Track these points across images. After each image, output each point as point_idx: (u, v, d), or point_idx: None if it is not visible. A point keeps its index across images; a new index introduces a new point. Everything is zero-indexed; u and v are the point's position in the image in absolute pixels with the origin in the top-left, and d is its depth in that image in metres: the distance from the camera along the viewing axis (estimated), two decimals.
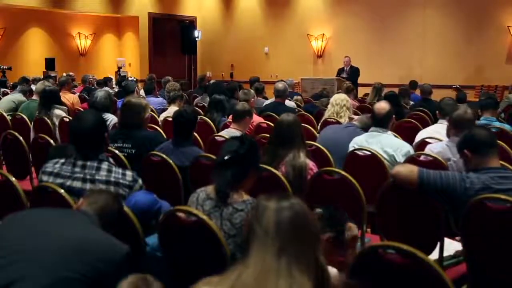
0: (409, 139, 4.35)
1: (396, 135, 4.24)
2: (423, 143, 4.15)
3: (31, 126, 5.46)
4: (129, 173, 2.72)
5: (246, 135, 3.29)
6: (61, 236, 1.81)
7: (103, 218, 2.05)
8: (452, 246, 2.88)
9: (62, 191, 2.49)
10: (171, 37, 16.24)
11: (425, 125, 5.47)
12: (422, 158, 3.52)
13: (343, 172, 3.05)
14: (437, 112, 4.81)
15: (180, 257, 2.37)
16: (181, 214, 2.26)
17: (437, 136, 4.21)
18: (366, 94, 10.36)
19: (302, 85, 11.32)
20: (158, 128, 5.03)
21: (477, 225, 2.47)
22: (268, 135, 3.92)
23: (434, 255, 2.70)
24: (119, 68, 13.83)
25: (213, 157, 3.11)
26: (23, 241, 1.80)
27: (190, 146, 3.67)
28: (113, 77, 12.30)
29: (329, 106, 5.57)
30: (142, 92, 8.67)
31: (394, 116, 4.22)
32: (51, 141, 4.24)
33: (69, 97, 7.15)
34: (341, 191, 3.00)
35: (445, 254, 2.78)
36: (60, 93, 6.39)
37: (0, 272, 1.72)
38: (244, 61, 15.55)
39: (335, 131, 4.52)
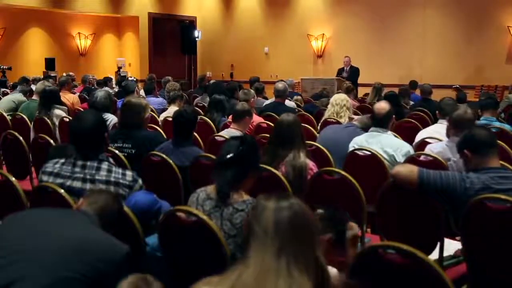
0: (409, 139, 4.35)
1: (396, 135, 4.24)
2: (423, 143, 4.15)
3: (31, 126, 5.46)
4: (129, 173, 2.72)
5: (247, 135, 3.30)
6: (61, 236, 1.81)
7: (103, 218, 2.05)
8: (452, 246, 2.88)
9: (62, 191, 2.49)
10: (171, 37, 16.24)
11: (425, 125, 5.47)
12: (422, 158, 3.52)
13: (343, 172, 3.05)
14: (437, 112, 4.81)
15: (180, 257, 2.37)
16: (181, 214, 2.26)
17: (437, 136, 4.21)
18: (366, 94, 10.36)
19: (302, 85, 11.32)
20: (158, 128, 5.03)
21: (477, 225, 2.47)
22: (268, 135, 3.92)
23: (434, 255, 2.70)
24: (119, 68, 13.83)
25: (213, 157, 3.11)
26: (23, 241, 1.80)
27: (190, 146, 3.67)
28: (113, 77, 12.30)
29: (329, 106, 5.57)
30: (142, 92, 8.67)
31: (394, 116, 4.22)
32: (51, 141, 4.24)
33: (69, 97, 7.15)
34: (341, 191, 3.00)
35: (445, 254, 2.79)
36: (60, 93, 6.39)
37: (0, 272, 1.72)
38: (244, 61, 15.55)
39: (335, 131, 4.52)
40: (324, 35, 14.42)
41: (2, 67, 11.48)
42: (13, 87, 9.19)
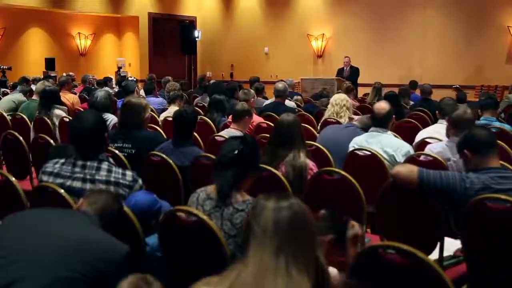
0: (409, 139, 4.35)
1: (396, 135, 4.24)
2: (423, 143, 4.15)
3: (31, 126, 5.46)
4: (129, 173, 2.72)
5: (247, 135, 3.29)
6: (61, 236, 1.81)
7: (103, 218, 2.05)
8: (452, 246, 2.88)
9: (62, 191, 2.49)
10: (171, 37, 16.24)
11: (425, 125, 5.47)
12: (422, 158, 3.52)
13: (343, 172, 3.05)
14: (437, 112, 4.81)
15: (180, 257, 2.37)
16: (181, 214, 2.26)
17: (437, 136, 4.21)
18: (366, 94, 10.36)
19: (302, 85, 11.32)
20: (158, 128, 5.03)
21: (477, 225, 2.47)
22: (268, 135, 3.92)
23: (434, 255, 2.70)
24: (119, 68, 13.83)
25: (213, 157, 3.11)
26: (23, 241, 1.80)
27: (190, 146, 3.67)
28: (113, 77, 12.30)
29: (329, 106, 5.57)
30: (142, 92, 8.67)
31: (394, 116, 4.22)
32: (51, 141, 4.24)
33: (69, 97, 7.15)
34: (341, 191, 3.00)
35: (445, 254, 2.79)
36: (60, 93, 6.39)
37: (0, 272, 1.72)
38: (244, 61, 15.55)
39: (335, 131, 4.52)
40: (324, 35, 14.42)
41: (2, 67, 11.48)
42: (13, 87, 9.19)
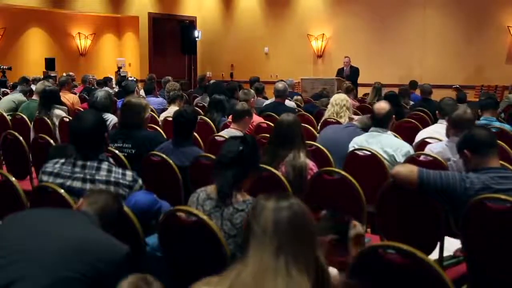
0: (409, 139, 4.35)
1: (396, 135, 4.24)
2: (423, 143, 4.15)
3: (31, 126, 5.46)
4: (129, 173, 2.72)
5: (247, 135, 3.29)
6: (61, 236, 1.81)
7: (103, 218, 2.05)
8: (452, 246, 2.88)
9: (62, 191, 2.49)
10: (171, 37, 16.24)
11: (425, 125, 5.47)
12: (422, 158, 3.52)
13: (343, 172, 3.05)
14: (437, 112, 4.81)
15: (180, 257, 2.37)
16: (181, 214, 2.26)
17: (437, 136, 4.21)
18: (366, 94, 10.36)
19: (302, 85, 11.32)
20: (158, 128, 5.03)
21: (477, 225, 2.47)
22: (268, 135, 3.92)
23: (434, 255, 2.70)
24: (119, 68, 13.83)
25: (213, 157, 3.11)
26: (23, 241, 1.80)
27: (190, 146, 3.67)
28: (113, 77, 12.30)
29: (329, 106, 5.57)
30: (142, 92, 8.67)
31: (394, 116, 4.22)
32: (51, 141, 4.24)
33: (69, 97, 7.15)
34: (341, 191, 3.00)
35: (445, 254, 2.79)
36: (60, 93, 6.39)
37: (0, 272, 1.72)
38: (244, 61, 15.55)
39: (335, 131, 4.52)
40: (324, 35, 14.42)
41: (2, 67, 11.48)
42: (13, 87, 9.19)
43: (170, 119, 4.39)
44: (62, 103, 6.15)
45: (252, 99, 6.01)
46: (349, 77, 11.04)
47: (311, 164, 3.28)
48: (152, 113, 5.48)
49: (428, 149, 3.74)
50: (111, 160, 2.99)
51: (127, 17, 15.98)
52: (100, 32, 16.31)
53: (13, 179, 2.76)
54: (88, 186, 2.59)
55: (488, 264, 2.46)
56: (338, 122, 5.13)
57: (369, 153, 3.63)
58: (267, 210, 1.47)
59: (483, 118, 5.33)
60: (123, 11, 15.48)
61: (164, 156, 3.42)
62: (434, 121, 5.42)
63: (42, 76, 11.25)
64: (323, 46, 14.52)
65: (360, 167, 3.55)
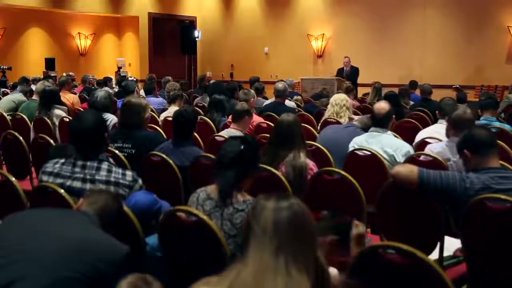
0: (409, 139, 4.35)
1: (396, 135, 4.24)
2: (423, 143, 4.15)
3: (31, 126, 5.46)
4: (129, 173, 2.72)
5: (247, 135, 3.30)
6: (61, 236, 1.81)
7: (103, 218, 2.05)
8: (452, 246, 2.88)
9: (62, 191, 2.49)
10: (171, 37, 16.24)
11: (425, 125, 5.47)
12: (422, 158, 3.52)
13: (343, 172, 3.05)
14: (437, 112, 4.81)
15: (180, 257, 2.37)
16: (181, 214, 2.26)
17: (437, 136, 4.21)
18: (366, 94, 10.36)
19: (302, 85, 11.32)
20: (158, 128, 5.03)
21: (477, 225, 2.47)
22: (268, 135, 3.92)
23: (434, 255, 2.70)
24: (119, 68, 13.83)
25: (213, 157, 3.11)
26: (23, 241, 1.80)
27: (190, 146, 3.67)
28: (113, 77, 12.30)
29: (329, 106, 5.57)
30: (142, 92, 8.67)
31: (394, 116, 4.22)
32: (51, 141, 4.24)
33: (69, 97, 7.15)
34: (341, 191, 3.00)
35: (445, 254, 2.79)
36: (60, 93, 6.39)
37: (0, 272, 1.72)
38: (244, 61, 15.55)
39: (335, 131, 4.52)
40: (324, 35, 14.42)
41: (2, 67, 11.48)
42: (13, 87, 9.20)
43: (170, 119, 4.39)
44: (62, 103, 6.15)
45: (252, 99, 6.01)
46: (349, 77, 11.05)
47: (311, 164, 3.27)
48: (152, 113, 5.48)
49: (428, 149, 3.74)
50: (111, 160, 2.99)
51: (127, 17, 15.98)
52: (100, 32, 16.31)
53: (13, 179, 2.76)
54: (88, 186, 2.59)
55: (488, 264, 2.46)
56: (338, 122, 5.13)
57: (369, 153, 3.63)
58: (267, 210, 1.47)
59: (483, 118, 5.33)
60: (123, 11, 15.48)
61: (164, 156, 3.42)
62: (434, 121, 5.42)
63: (42, 76, 11.25)
64: (323, 46, 14.52)
65: (360, 167, 3.55)
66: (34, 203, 2.65)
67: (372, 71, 12.07)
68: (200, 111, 6.37)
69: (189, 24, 16.30)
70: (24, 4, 13.43)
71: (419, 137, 4.52)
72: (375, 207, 2.93)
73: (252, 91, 6.64)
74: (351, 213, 2.40)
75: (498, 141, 2.96)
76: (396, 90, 7.81)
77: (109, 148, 3.38)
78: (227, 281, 1.43)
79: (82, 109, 6.12)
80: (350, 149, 3.89)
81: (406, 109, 7.18)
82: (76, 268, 1.73)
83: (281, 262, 1.41)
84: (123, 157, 3.49)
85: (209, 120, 5.37)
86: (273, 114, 5.82)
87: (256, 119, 5.39)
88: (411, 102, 8.17)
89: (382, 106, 4.01)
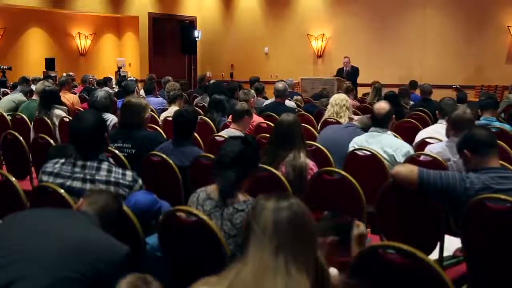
0: (409, 139, 4.35)
1: (396, 135, 4.24)
2: (423, 143, 4.15)
3: (31, 126, 5.46)
4: (129, 173, 2.72)
5: (247, 135, 3.30)
6: (61, 236, 1.81)
7: (103, 218, 2.05)
8: (452, 246, 2.88)
9: (62, 191, 2.49)
10: (171, 37, 16.24)
11: (425, 125, 5.47)
12: (422, 158, 3.52)
13: (343, 172, 3.05)
14: (437, 112, 4.82)
15: (180, 257, 2.37)
16: (181, 214, 2.26)
17: (437, 136, 4.21)
18: (366, 94, 10.36)
19: (302, 85, 11.32)
20: (158, 128, 5.03)
21: (477, 225, 2.47)
22: (268, 135, 3.92)
23: (434, 255, 2.70)
24: (119, 68, 13.83)
25: (213, 157, 3.10)
26: (23, 241, 1.80)
27: (190, 146, 3.67)
28: (113, 77, 12.30)
29: (328, 106, 5.57)
30: (142, 92, 8.67)
31: (394, 116, 4.22)
32: (51, 141, 4.24)
33: (69, 97, 7.15)
34: (341, 191, 3.00)
35: (445, 254, 2.78)
36: (60, 93, 6.39)
37: (0, 272, 1.72)
38: (244, 61, 15.55)
39: (335, 131, 4.52)
40: (324, 35, 14.42)
41: (2, 67, 11.48)
42: (13, 87, 9.20)
43: (170, 119, 4.39)
44: (62, 103, 6.15)
45: (252, 99, 6.01)
46: (349, 77, 11.05)
47: (311, 164, 3.27)
48: (152, 113, 5.48)
49: (428, 149, 3.74)
50: (111, 160, 2.99)
51: (127, 17, 15.98)
52: (100, 32, 16.31)
53: (13, 179, 2.76)
54: (88, 186, 2.59)
55: (488, 264, 2.46)
56: (338, 122, 5.13)
57: (369, 153, 3.63)
58: (267, 210, 1.48)
59: (483, 118, 5.33)
60: (123, 11, 15.48)
61: (164, 156, 3.42)
62: (434, 121, 5.42)
63: (42, 76, 11.25)
64: (323, 46, 14.53)
65: (360, 167, 3.55)
66: (34, 203, 2.65)
67: (372, 71, 12.07)
68: (200, 111, 6.37)
69: (189, 24, 16.30)
70: (24, 4, 13.43)
71: (419, 137, 4.52)
72: (375, 207, 2.93)
73: (252, 91, 6.64)
74: (351, 213, 2.41)
75: (498, 141, 2.96)
76: (396, 90, 7.81)
77: (109, 148, 3.38)
78: (226, 281, 1.43)
79: (82, 109, 6.12)
80: (350, 149, 3.89)
81: (406, 109, 7.18)
82: (76, 268, 1.73)
83: (280, 261, 1.41)
84: (123, 157, 3.49)
85: (209, 120, 5.37)
86: (273, 114, 5.82)
87: (256, 119, 5.39)
88: (411, 102, 8.16)
89: (382, 106, 4.01)
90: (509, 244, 2.38)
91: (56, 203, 2.43)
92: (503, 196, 2.38)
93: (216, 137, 4.39)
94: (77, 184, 2.60)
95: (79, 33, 15.72)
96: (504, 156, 3.50)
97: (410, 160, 3.52)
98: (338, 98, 5.45)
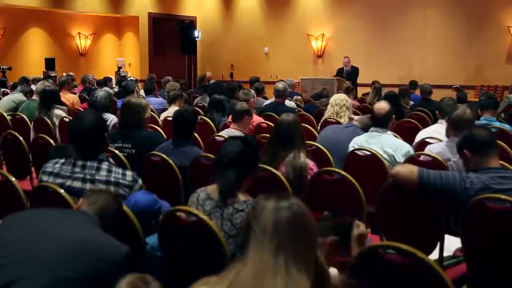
0: (409, 139, 4.35)
1: (396, 135, 4.24)
2: (423, 143, 4.15)
3: (31, 126, 5.46)
4: (129, 173, 2.72)
5: (248, 135, 3.29)
6: (61, 236, 1.81)
7: (103, 218, 2.05)
8: (452, 246, 2.88)
9: (62, 191, 2.49)
10: (171, 37, 16.25)
11: (425, 125, 5.47)
12: (422, 158, 3.52)
13: (343, 172, 3.05)
14: (437, 112, 4.82)
15: (180, 257, 2.37)
16: (181, 214, 2.26)
17: (437, 136, 4.21)
18: (366, 94, 10.36)
19: (302, 85, 11.32)
20: (158, 128, 5.03)
21: (477, 225, 2.47)
22: (268, 135, 3.92)
23: (434, 255, 2.70)
24: (119, 68, 13.83)
25: (213, 157, 3.10)
26: (23, 241, 1.80)
27: (190, 146, 3.67)
28: (113, 77, 12.30)
29: (328, 106, 5.57)
30: (142, 92, 8.67)
31: (394, 116, 4.22)
32: (51, 141, 4.24)
33: (69, 97, 7.15)
34: (341, 191, 3.00)
35: (445, 254, 2.79)
36: (60, 93, 6.39)
37: (0, 272, 1.72)
38: (244, 61, 15.55)
39: (335, 131, 4.52)
40: (324, 35, 14.42)
41: (2, 67, 11.48)
42: (13, 87, 9.20)
43: (170, 119, 4.39)
44: (62, 103, 6.15)
45: (252, 99, 6.01)
46: (349, 77, 11.05)
47: (311, 164, 3.28)
48: (152, 113, 5.48)
49: (428, 149, 3.74)
50: (111, 160, 2.99)
51: (127, 17, 15.98)
52: (100, 32, 16.31)
53: (13, 179, 2.76)
54: (88, 186, 2.59)
55: (488, 264, 2.46)
56: (338, 122, 5.13)
57: (369, 153, 3.63)
58: (267, 210, 1.48)
59: (483, 118, 5.33)
60: (123, 11, 15.49)
61: (164, 156, 3.42)
62: (434, 121, 5.42)
63: (42, 76, 11.25)
64: (323, 46, 14.53)
65: (360, 167, 3.55)
66: (34, 203, 2.65)
67: (372, 71, 12.08)
68: (200, 111, 6.37)
69: (189, 24, 16.30)
70: (24, 4, 13.43)
71: (419, 137, 4.52)
72: (375, 207, 2.93)
73: (252, 91, 6.64)
74: (351, 213, 2.41)
75: (498, 141, 2.96)
76: (396, 90, 7.81)
77: (109, 148, 3.38)
78: (226, 281, 1.43)
79: (82, 109, 6.12)
80: (350, 149, 3.89)
81: (406, 109, 7.19)
82: (76, 268, 1.73)
83: (280, 261, 1.41)
84: (123, 157, 3.49)
85: (209, 120, 5.37)
86: (273, 114, 5.82)
87: (256, 119, 5.39)
88: (411, 102, 8.17)
89: (382, 106, 4.01)
90: (509, 244, 2.38)
91: (56, 203, 2.43)
92: (503, 196, 2.38)
93: (216, 137, 4.39)
94: (77, 184, 2.60)
95: (79, 33, 15.73)
96: (504, 156, 3.50)
97: (410, 160, 3.52)
98: (338, 98, 5.45)
